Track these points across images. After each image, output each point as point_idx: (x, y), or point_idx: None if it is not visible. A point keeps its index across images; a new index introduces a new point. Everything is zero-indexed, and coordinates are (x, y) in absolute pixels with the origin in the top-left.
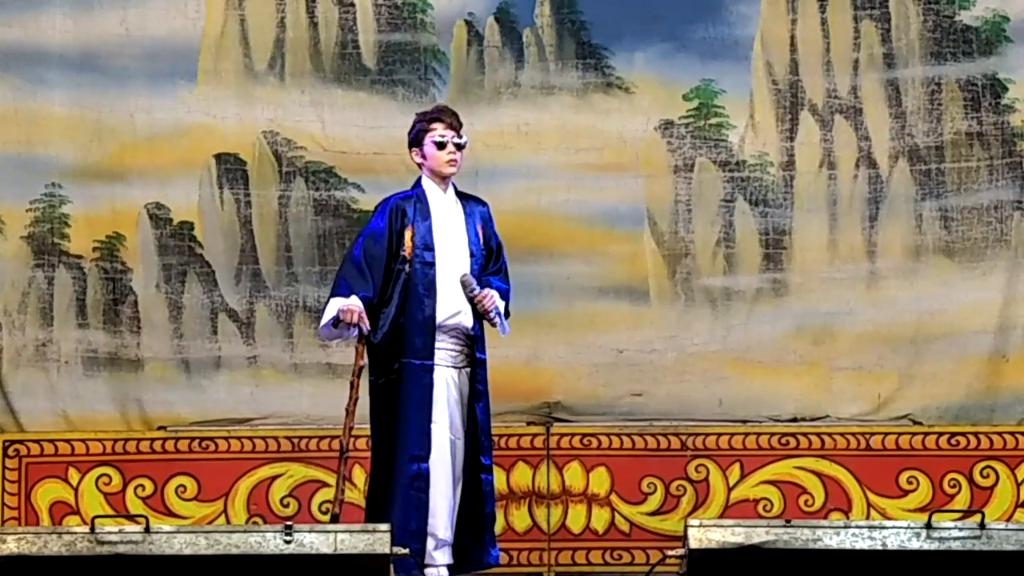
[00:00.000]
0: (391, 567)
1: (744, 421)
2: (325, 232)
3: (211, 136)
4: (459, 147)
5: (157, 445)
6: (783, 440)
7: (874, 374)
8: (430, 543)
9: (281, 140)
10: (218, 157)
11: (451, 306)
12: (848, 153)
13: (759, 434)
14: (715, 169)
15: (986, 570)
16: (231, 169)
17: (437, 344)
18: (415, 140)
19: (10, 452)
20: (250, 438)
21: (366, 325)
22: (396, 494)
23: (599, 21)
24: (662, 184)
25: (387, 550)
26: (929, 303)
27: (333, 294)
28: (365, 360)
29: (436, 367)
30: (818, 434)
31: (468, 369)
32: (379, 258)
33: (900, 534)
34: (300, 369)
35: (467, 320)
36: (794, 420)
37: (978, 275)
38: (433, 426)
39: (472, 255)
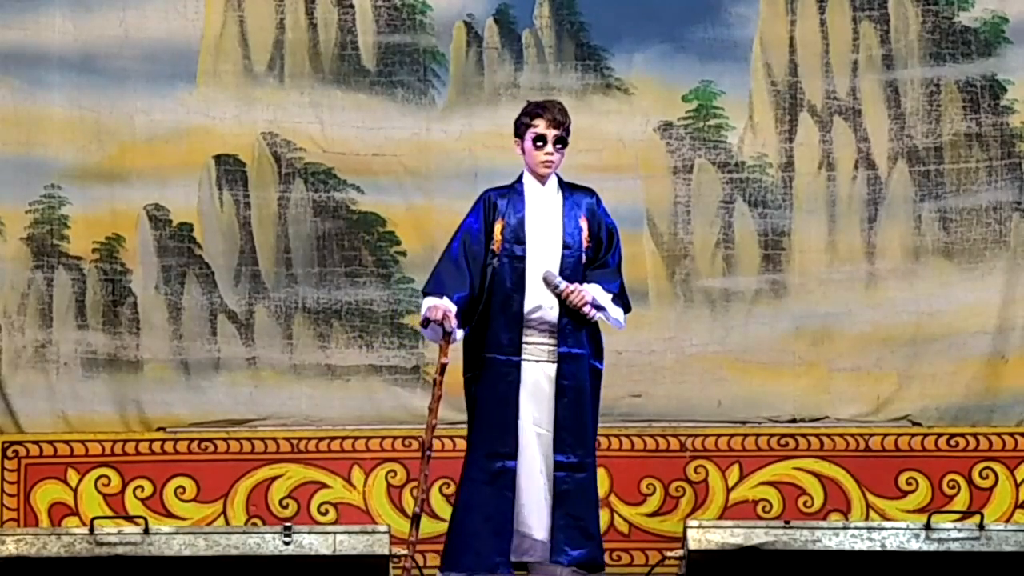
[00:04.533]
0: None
1: (743, 422)
2: (324, 233)
3: (210, 137)
4: (560, 144)
5: (156, 446)
6: (782, 441)
7: (873, 375)
8: (524, 542)
9: (280, 141)
10: (217, 158)
11: (540, 300)
12: (847, 154)
13: (758, 435)
14: (714, 170)
15: (985, 571)
16: (230, 170)
17: (525, 338)
18: (517, 131)
19: (9, 453)
20: (249, 439)
21: (450, 325)
22: (477, 492)
23: (598, 22)
24: (661, 185)
25: (386, 551)
26: (928, 304)
27: (426, 292)
28: (448, 359)
29: (524, 362)
30: (817, 435)
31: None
32: (478, 254)
33: (899, 535)
34: (299, 370)
35: (551, 314)
36: (793, 421)
37: (977, 276)
38: (521, 422)
39: (567, 247)
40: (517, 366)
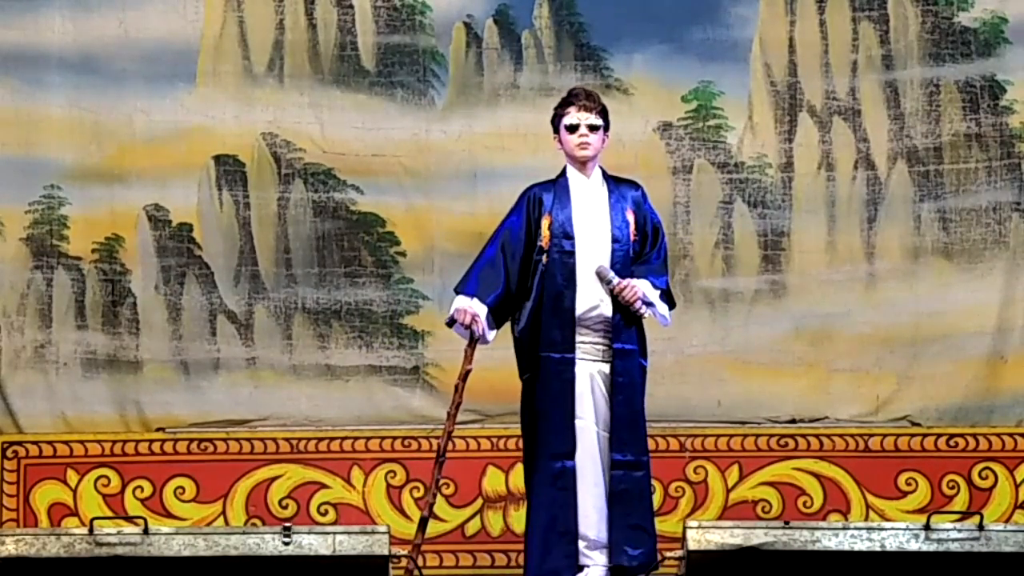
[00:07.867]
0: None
1: (743, 422)
2: (324, 234)
3: (210, 138)
4: (594, 128)
5: (156, 446)
6: (782, 441)
7: (872, 375)
8: (581, 544)
9: (280, 142)
10: (217, 159)
11: (592, 297)
12: (846, 154)
13: (758, 435)
14: (713, 171)
15: (985, 571)
16: (230, 171)
17: (579, 337)
18: (553, 127)
19: (9, 454)
20: (249, 440)
21: (478, 329)
22: (541, 494)
23: (598, 23)
24: (661, 186)
25: (385, 552)
26: (927, 304)
27: (459, 290)
28: (472, 365)
29: (579, 361)
30: (817, 435)
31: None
32: (517, 252)
33: (899, 535)
34: (299, 371)
35: (605, 311)
36: (792, 421)
37: (976, 276)
38: (579, 421)
39: (616, 241)
40: (571, 363)
